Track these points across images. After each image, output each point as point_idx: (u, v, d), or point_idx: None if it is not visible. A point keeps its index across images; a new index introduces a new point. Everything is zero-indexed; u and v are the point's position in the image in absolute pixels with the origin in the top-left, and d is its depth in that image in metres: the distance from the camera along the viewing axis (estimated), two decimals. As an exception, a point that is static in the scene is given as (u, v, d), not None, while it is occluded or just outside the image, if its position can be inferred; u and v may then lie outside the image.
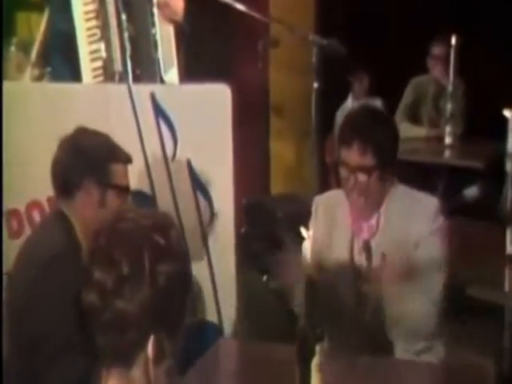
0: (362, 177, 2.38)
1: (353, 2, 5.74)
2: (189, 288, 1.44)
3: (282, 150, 5.75)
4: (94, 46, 3.21)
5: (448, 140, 4.71)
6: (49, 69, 3.27)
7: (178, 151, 2.83)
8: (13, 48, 3.31)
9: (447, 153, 4.70)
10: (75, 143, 2.27)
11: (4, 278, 2.48)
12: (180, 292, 1.41)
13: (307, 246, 2.63)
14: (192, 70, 3.50)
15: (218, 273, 2.90)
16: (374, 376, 2.22)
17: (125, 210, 1.57)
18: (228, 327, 2.90)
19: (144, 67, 3.30)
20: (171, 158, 2.85)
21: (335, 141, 2.53)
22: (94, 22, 3.20)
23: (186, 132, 2.82)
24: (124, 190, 2.33)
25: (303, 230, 2.32)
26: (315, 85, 3.25)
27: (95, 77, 3.22)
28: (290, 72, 5.36)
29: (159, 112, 2.82)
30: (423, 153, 4.75)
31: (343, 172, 2.42)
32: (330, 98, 3.54)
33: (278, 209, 4.50)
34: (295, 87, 5.23)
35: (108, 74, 3.23)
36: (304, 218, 2.72)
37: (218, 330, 2.91)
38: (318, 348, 1.89)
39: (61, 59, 3.26)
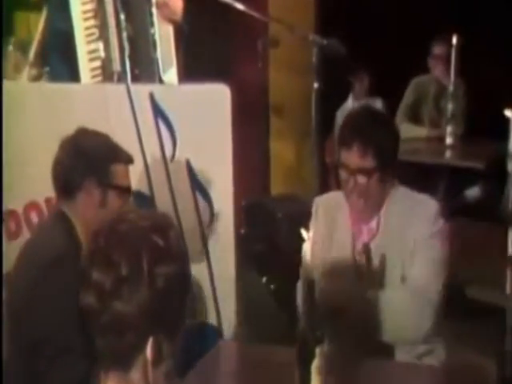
0: (361, 179, 2.37)
1: (353, 1, 5.73)
2: (188, 289, 1.44)
3: (281, 151, 5.74)
4: (93, 46, 3.19)
5: (449, 140, 4.70)
6: (47, 68, 3.26)
7: (177, 152, 2.83)
8: (11, 47, 3.29)
9: (448, 153, 4.68)
10: (76, 144, 2.27)
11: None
12: (179, 293, 1.40)
13: (307, 248, 2.62)
14: (191, 70, 3.49)
15: (217, 274, 2.89)
16: (374, 379, 2.22)
17: (124, 211, 1.57)
18: (227, 329, 2.90)
19: (143, 67, 3.29)
20: (170, 159, 2.85)
21: (335, 142, 2.52)
22: (92, 22, 3.18)
23: (185, 132, 2.82)
24: (125, 190, 2.33)
25: (304, 232, 2.29)
26: (315, 85, 3.24)
27: (93, 77, 3.21)
28: (290, 72, 5.36)
29: (158, 112, 2.82)
30: (424, 153, 4.74)
31: (343, 174, 2.41)
32: (330, 98, 3.53)
33: (277, 209, 4.48)
34: (295, 87, 5.22)
35: (106, 73, 3.22)
36: (304, 218, 2.71)
37: (217, 331, 2.90)
38: (318, 350, 1.88)
39: (59, 59, 3.25)
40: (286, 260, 3.74)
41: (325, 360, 1.88)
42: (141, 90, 2.86)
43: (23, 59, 3.27)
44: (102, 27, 3.19)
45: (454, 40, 4.55)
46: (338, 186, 2.51)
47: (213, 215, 2.84)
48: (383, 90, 5.44)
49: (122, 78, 3.20)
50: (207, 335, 2.86)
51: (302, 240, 2.18)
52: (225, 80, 2.75)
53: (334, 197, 2.58)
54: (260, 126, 5.42)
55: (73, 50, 3.17)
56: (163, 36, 3.37)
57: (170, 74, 3.42)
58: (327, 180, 4.29)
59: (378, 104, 5.59)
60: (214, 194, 2.84)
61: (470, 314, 3.49)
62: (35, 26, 3.31)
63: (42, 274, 2.11)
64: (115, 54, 3.22)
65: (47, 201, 2.80)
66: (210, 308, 2.90)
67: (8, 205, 2.77)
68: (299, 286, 2.64)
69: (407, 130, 4.72)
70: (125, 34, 3.21)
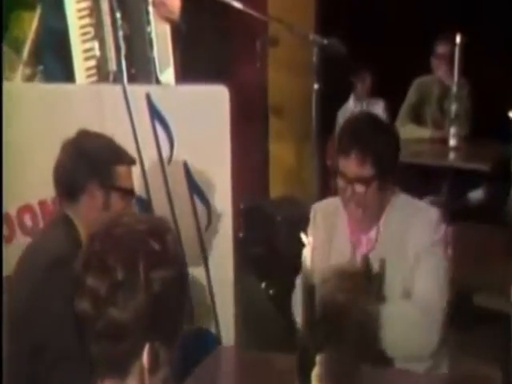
0: (359, 188, 2.33)
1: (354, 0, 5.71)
2: (185, 294, 1.43)
3: (281, 153, 5.73)
4: (88, 45, 3.18)
5: (453, 142, 4.68)
6: (41, 68, 3.27)
7: (175, 154, 2.80)
8: (4, 46, 3.27)
9: (452, 155, 4.66)
10: (78, 146, 2.27)
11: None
12: (176, 299, 1.39)
13: (307, 253, 2.57)
14: (189, 70, 3.49)
15: (215, 278, 2.87)
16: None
17: (120, 215, 1.58)
18: (226, 334, 2.87)
19: (139, 67, 3.28)
20: (167, 161, 2.82)
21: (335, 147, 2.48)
22: (87, 20, 3.17)
23: (182, 134, 2.79)
24: (128, 192, 2.34)
25: (303, 237, 2.26)
26: (316, 85, 3.24)
27: (89, 76, 3.21)
28: (290, 72, 5.35)
29: (155, 113, 2.79)
30: (427, 155, 4.73)
31: (340, 182, 2.37)
32: (331, 99, 3.51)
33: (277, 212, 4.47)
34: (295, 88, 5.21)
35: (102, 73, 3.21)
36: (304, 222, 2.68)
37: (215, 337, 2.88)
38: (318, 358, 1.86)
39: (53, 58, 3.25)
40: (285, 264, 3.73)
41: (325, 368, 1.86)
42: (137, 91, 2.83)
43: (17, 58, 3.29)
44: (98, 26, 3.18)
45: (458, 39, 4.51)
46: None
47: (211, 219, 2.82)
48: (385, 90, 5.44)
49: (117, 77, 3.20)
50: (205, 341, 2.84)
51: (301, 244, 2.14)
52: (223, 80, 2.73)
53: (333, 202, 2.54)
54: (259, 127, 5.42)
55: (67, 48, 3.16)
56: (160, 35, 3.36)
57: (167, 74, 3.41)
58: (328, 183, 4.25)
59: (380, 105, 5.58)
60: (212, 197, 2.81)
61: (476, 321, 3.46)
62: (29, 24, 3.32)
63: (45, 277, 2.11)
64: (111, 54, 3.22)
65: (41, 203, 2.79)
66: (208, 313, 2.88)
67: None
68: (295, 294, 2.58)
69: (410, 131, 4.73)
70: (121, 33, 3.20)
